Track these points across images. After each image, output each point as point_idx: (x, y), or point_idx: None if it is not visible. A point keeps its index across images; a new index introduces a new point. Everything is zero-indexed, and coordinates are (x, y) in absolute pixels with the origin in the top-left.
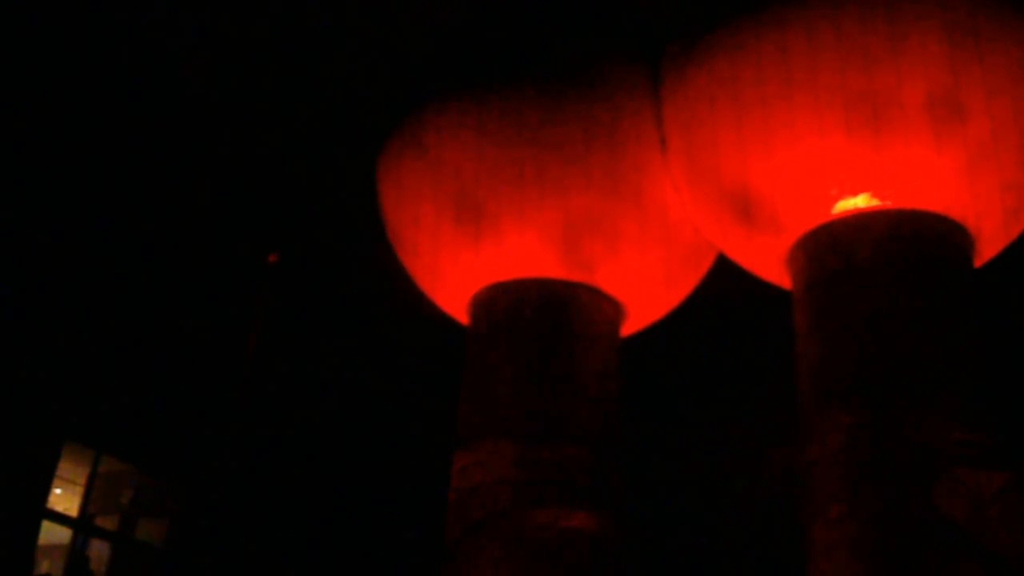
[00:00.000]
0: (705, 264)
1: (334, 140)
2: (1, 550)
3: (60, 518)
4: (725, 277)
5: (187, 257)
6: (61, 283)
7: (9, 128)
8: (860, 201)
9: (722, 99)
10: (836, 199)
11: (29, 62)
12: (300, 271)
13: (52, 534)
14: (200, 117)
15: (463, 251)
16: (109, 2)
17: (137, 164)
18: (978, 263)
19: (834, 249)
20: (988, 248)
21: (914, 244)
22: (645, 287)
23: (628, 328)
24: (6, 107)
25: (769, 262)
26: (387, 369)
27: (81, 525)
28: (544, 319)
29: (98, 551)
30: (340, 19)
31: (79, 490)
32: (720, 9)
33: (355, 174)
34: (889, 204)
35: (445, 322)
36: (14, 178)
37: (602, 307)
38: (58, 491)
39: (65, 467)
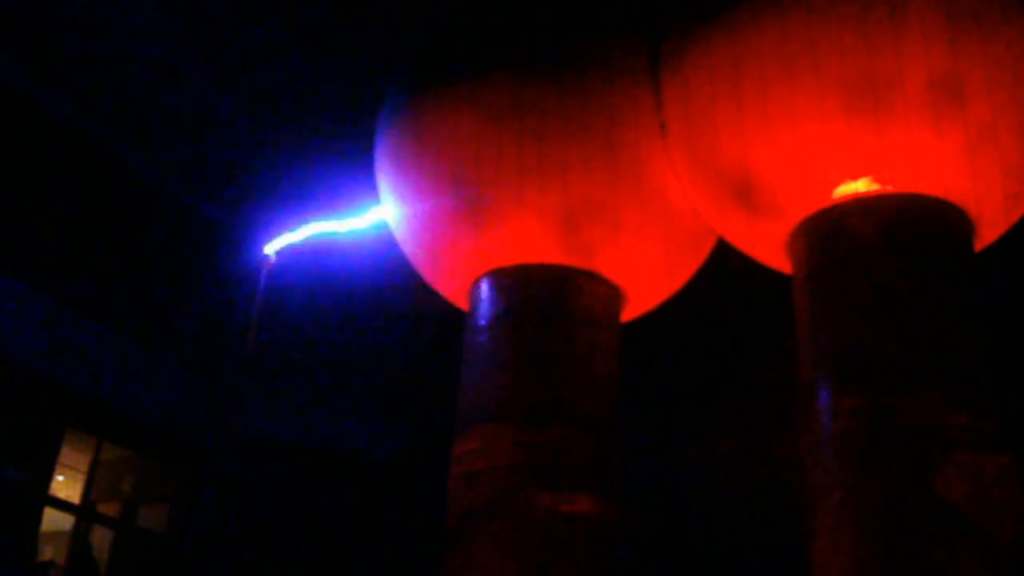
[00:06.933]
0: (705, 249)
1: (331, 135)
2: (4, 537)
3: (62, 505)
4: (725, 262)
5: (188, 248)
6: (62, 273)
7: (12, 130)
8: (860, 185)
9: (722, 84)
10: (836, 183)
11: (29, 65)
12: (299, 263)
13: (54, 521)
14: (196, 114)
15: (462, 237)
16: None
17: (137, 163)
18: (979, 247)
19: (834, 233)
20: (989, 232)
21: (914, 228)
22: (645, 272)
23: (628, 313)
24: (6, 109)
25: (769, 247)
26: (387, 360)
27: (83, 512)
28: (544, 304)
29: (100, 538)
30: (337, 11)
31: (81, 477)
32: None
33: (352, 167)
34: (890, 188)
35: (445, 309)
36: (19, 179)
37: (602, 292)
38: (60, 478)
39: (67, 454)
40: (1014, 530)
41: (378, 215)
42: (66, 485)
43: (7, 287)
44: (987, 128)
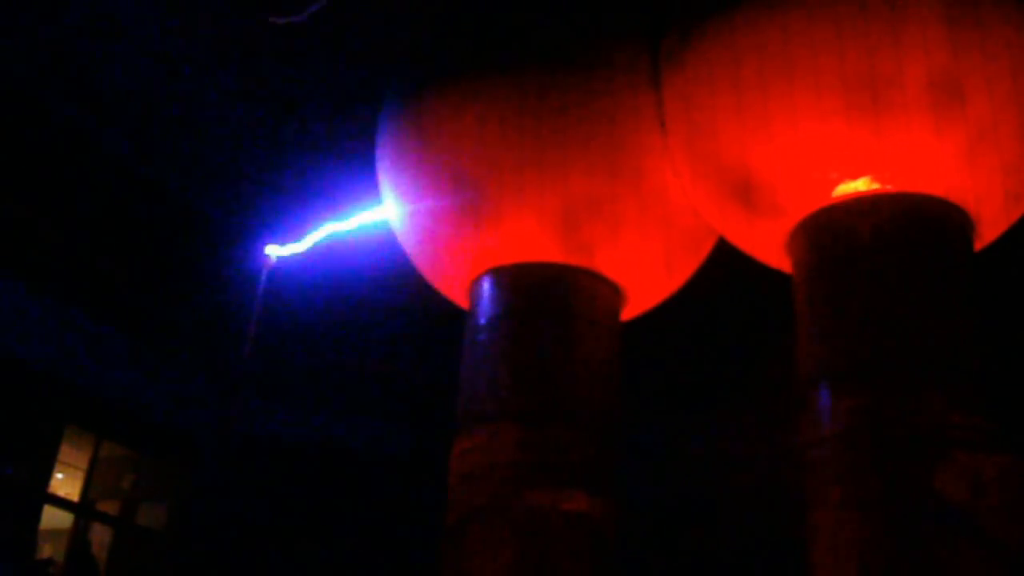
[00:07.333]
0: (705, 248)
1: (330, 135)
2: (3, 535)
3: (62, 503)
4: (725, 261)
5: (189, 247)
6: (64, 273)
7: (12, 128)
8: (860, 185)
9: (722, 82)
10: (836, 183)
11: (29, 62)
12: (300, 263)
13: (54, 519)
14: (194, 117)
15: (462, 235)
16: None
17: (138, 165)
18: (978, 246)
19: (834, 233)
20: (989, 231)
21: (914, 227)
22: (645, 271)
23: (628, 312)
24: (6, 107)
25: (769, 246)
26: (387, 357)
27: (83, 510)
28: (544, 303)
29: (100, 536)
30: (339, 9)
31: (80, 475)
32: None
33: (352, 167)
34: (889, 188)
35: (445, 308)
36: (19, 177)
37: (602, 291)
38: (60, 476)
39: (66, 452)
40: (1014, 529)
41: (379, 214)
42: (65, 483)
43: (7, 286)
44: (987, 127)
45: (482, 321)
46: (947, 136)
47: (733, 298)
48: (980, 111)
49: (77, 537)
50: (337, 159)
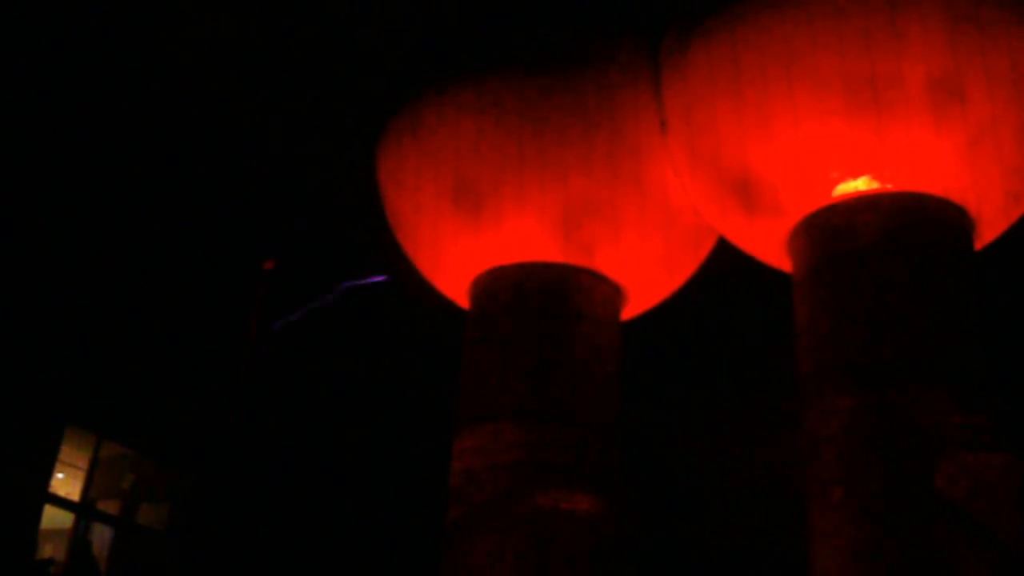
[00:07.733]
0: (705, 247)
1: (330, 136)
2: (4, 535)
3: (62, 503)
4: (725, 260)
5: (190, 247)
6: (66, 276)
7: (14, 131)
8: (860, 184)
9: (722, 82)
10: (837, 182)
11: (31, 64)
12: (299, 262)
13: (54, 519)
14: (195, 121)
15: (463, 235)
16: (109, 6)
17: (139, 166)
18: (978, 245)
19: (834, 232)
20: (988, 231)
21: (914, 226)
22: (645, 270)
23: (629, 311)
24: (9, 109)
25: (770, 245)
26: (388, 356)
27: (83, 510)
28: (544, 302)
29: (100, 535)
30: (335, 12)
31: (81, 475)
32: None
33: (352, 169)
34: (890, 187)
35: (445, 310)
36: (21, 179)
37: (602, 290)
38: (60, 476)
39: (67, 452)
40: (1015, 528)
41: (377, 222)
42: (66, 483)
43: (14, 289)
44: (987, 127)
45: (482, 321)
46: (947, 135)
47: (733, 298)
48: (980, 111)
49: (77, 537)
50: (335, 164)
